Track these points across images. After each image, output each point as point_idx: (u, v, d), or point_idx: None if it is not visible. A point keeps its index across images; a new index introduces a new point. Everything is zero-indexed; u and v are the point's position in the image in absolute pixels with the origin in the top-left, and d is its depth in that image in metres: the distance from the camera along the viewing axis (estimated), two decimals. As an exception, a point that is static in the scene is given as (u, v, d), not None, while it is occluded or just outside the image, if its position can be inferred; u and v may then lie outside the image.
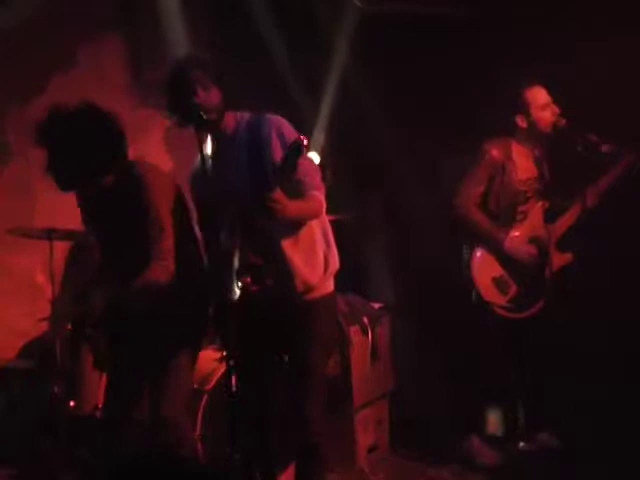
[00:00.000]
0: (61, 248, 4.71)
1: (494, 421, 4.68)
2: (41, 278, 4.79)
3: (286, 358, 3.54)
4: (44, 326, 4.53)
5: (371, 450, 4.75)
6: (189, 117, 3.33)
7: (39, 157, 5.05)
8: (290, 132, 3.37)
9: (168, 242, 3.45)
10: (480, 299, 4.47)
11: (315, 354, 3.46)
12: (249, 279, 3.22)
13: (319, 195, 3.39)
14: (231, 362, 3.15)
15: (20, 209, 4.96)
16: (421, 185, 5.33)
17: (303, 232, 3.43)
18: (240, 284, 3.22)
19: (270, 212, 3.12)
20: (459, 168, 4.65)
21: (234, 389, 3.18)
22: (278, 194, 3.11)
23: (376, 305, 5.02)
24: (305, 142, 3.01)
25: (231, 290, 3.24)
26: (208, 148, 3.52)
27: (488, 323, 4.50)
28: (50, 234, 4.36)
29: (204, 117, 3.29)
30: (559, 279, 4.51)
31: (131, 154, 4.99)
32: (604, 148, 4.35)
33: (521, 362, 4.61)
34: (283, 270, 3.38)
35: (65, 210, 4.90)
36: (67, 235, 4.54)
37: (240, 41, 5.29)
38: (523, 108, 4.44)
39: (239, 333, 3.19)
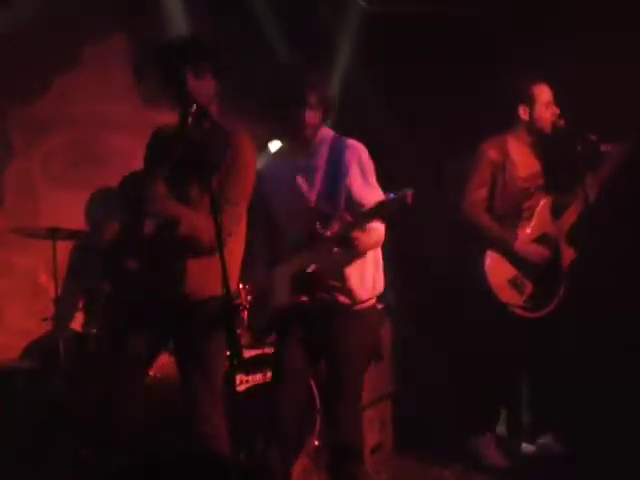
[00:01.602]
0: (64, 248, 4.71)
1: (498, 421, 4.67)
2: (44, 278, 4.80)
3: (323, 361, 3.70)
4: (47, 326, 4.53)
5: (375, 450, 4.74)
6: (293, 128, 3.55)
7: (42, 157, 5.14)
8: (368, 162, 3.58)
9: (247, 191, 3.48)
10: (497, 301, 4.45)
11: (356, 358, 3.60)
12: (303, 290, 3.51)
13: (380, 227, 3.56)
14: (235, 361, 3.16)
15: (24, 209, 4.96)
16: (424, 185, 5.32)
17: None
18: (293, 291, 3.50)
19: (348, 247, 3.40)
20: (462, 168, 4.65)
21: (237, 388, 3.21)
22: (358, 232, 3.38)
23: (379, 306, 5.01)
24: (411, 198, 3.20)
25: (283, 295, 3.52)
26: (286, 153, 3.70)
27: (495, 323, 4.48)
28: (53, 234, 4.36)
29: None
30: (570, 275, 4.52)
31: (132, 154, 5.03)
32: (603, 148, 4.36)
33: (531, 362, 4.60)
34: (337, 286, 3.57)
35: (68, 210, 4.93)
36: (70, 235, 4.55)
37: (242, 41, 5.30)
38: (528, 100, 4.45)
39: (284, 335, 3.58)
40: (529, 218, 4.52)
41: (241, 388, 4.14)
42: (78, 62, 5.12)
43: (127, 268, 3.49)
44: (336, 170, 3.55)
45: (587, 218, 4.48)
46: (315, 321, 3.59)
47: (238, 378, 4.12)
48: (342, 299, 3.58)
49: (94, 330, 4.44)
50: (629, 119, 4.46)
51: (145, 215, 3.41)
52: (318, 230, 3.44)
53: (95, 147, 5.18)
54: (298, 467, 4.19)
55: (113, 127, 5.20)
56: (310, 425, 4.25)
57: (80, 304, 4.75)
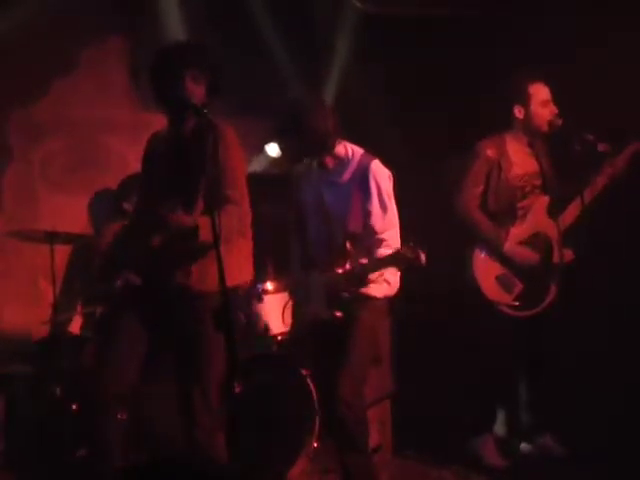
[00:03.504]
0: (63, 251, 4.73)
1: (497, 422, 4.67)
2: (43, 282, 4.81)
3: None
4: (46, 329, 4.54)
5: (374, 451, 4.73)
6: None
7: (41, 160, 5.15)
8: (388, 188, 3.77)
9: (243, 190, 3.55)
10: (484, 299, 4.45)
11: (367, 339, 3.79)
12: (339, 313, 3.72)
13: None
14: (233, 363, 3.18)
15: (22, 212, 4.97)
16: (424, 185, 5.33)
17: None
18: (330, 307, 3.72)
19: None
20: (461, 167, 4.65)
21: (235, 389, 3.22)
22: (374, 276, 3.67)
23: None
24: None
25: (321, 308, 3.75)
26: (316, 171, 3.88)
27: (493, 322, 4.47)
28: (51, 238, 4.36)
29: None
30: (568, 275, 4.49)
31: (130, 157, 5.05)
32: (600, 147, 4.34)
33: (527, 362, 4.59)
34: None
35: (67, 213, 4.95)
36: (69, 238, 4.55)
37: (240, 42, 5.30)
38: (523, 100, 4.45)
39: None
40: (523, 217, 4.51)
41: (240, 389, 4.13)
42: (76, 65, 5.13)
43: (130, 282, 3.52)
44: (357, 190, 3.74)
45: (585, 219, 4.47)
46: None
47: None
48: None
49: (92, 333, 4.45)
50: (628, 119, 4.46)
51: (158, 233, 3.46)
52: (340, 245, 3.70)
53: (94, 150, 5.19)
54: (297, 468, 4.20)
55: (111, 130, 5.22)
56: (309, 426, 4.25)
57: (78, 307, 4.78)
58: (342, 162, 3.83)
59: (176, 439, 3.69)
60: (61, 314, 4.51)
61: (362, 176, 3.76)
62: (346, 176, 3.80)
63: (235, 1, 5.33)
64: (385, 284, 3.77)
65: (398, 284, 3.84)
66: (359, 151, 3.87)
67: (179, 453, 3.53)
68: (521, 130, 4.50)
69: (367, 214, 3.73)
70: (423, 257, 3.52)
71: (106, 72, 5.21)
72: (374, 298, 3.76)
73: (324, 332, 3.79)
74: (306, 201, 3.93)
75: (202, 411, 3.45)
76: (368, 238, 3.73)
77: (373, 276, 3.71)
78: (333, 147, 3.81)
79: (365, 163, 3.80)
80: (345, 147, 3.86)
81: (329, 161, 3.84)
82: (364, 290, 3.74)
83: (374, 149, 5.49)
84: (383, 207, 3.75)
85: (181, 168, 3.50)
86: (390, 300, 3.88)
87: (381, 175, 3.79)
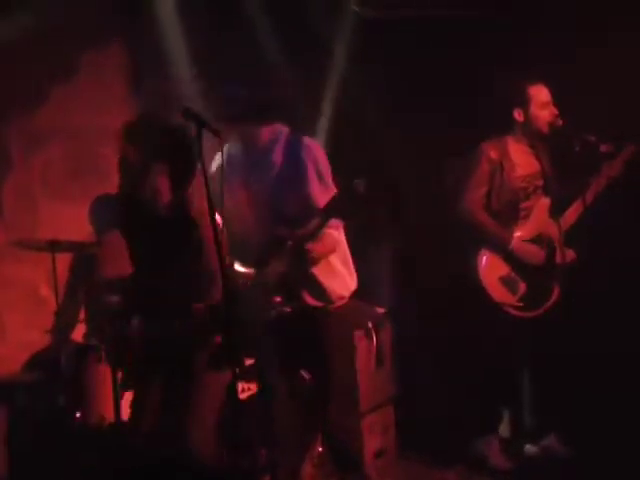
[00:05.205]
0: (64, 259, 4.71)
1: (502, 423, 4.67)
2: (45, 290, 4.80)
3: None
4: (48, 338, 4.54)
5: (378, 455, 4.74)
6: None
7: (41, 168, 5.14)
8: (324, 161, 3.57)
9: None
10: (489, 300, 4.45)
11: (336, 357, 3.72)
12: (280, 299, 3.48)
13: (332, 232, 3.58)
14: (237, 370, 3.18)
15: (23, 221, 4.96)
16: (424, 185, 5.33)
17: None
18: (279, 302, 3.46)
19: (304, 259, 3.45)
20: (461, 167, 4.66)
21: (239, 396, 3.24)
22: (311, 244, 3.45)
23: (379, 309, 5.02)
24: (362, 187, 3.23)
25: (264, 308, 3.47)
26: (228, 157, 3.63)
27: (497, 323, 4.47)
28: (53, 246, 4.35)
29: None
30: (570, 276, 4.51)
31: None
32: (602, 148, 4.36)
33: (531, 363, 4.60)
34: (314, 291, 3.62)
35: (68, 221, 4.93)
36: (70, 247, 4.54)
37: (239, 47, 5.30)
38: (523, 102, 4.45)
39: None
40: (526, 218, 4.52)
41: (243, 396, 4.14)
42: (76, 71, 5.11)
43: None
44: (292, 170, 3.53)
45: (586, 219, 4.47)
46: (292, 328, 3.59)
47: (240, 386, 4.12)
48: (314, 302, 3.62)
49: (95, 341, 4.44)
50: (629, 119, 4.46)
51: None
52: (277, 233, 3.47)
53: (94, 157, 5.17)
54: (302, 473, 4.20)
55: (112, 137, 5.18)
56: (314, 431, 4.25)
57: (81, 315, 4.77)
58: (272, 140, 3.59)
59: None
60: (64, 322, 4.51)
61: (295, 153, 3.55)
62: (277, 155, 3.57)
63: (233, 5, 5.32)
64: (341, 279, 3.68)
65: (355, 278, 3.73)
66: (285, 128, 3.63)
67: (177, 453, 3.52)
68: (522, 132, 4.51)
69: (307, 194, 3.52)
70: (358, 185, 3.25)
71: (106, 78, 5.18)
72: (335, 302, 3.67)
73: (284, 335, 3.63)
74: (229, 191, 3.51)
75: (197, 429, 3.45)
76: (308, 220, 3.47)
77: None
78: (276, 115, 3.58)
79: (294, 139, 3.59)
80: (275, 125, 3.62)
81: (263, 136, 3.59)
82: (328, 290, 3.62)
83: (374, 149, 5.53)
84: (323, 183, 3.56)
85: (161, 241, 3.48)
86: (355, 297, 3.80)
87: (316, 149, 3.59)
